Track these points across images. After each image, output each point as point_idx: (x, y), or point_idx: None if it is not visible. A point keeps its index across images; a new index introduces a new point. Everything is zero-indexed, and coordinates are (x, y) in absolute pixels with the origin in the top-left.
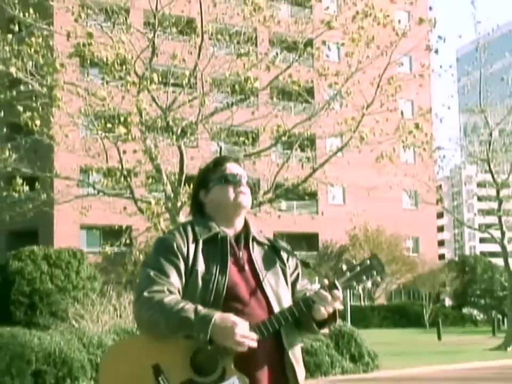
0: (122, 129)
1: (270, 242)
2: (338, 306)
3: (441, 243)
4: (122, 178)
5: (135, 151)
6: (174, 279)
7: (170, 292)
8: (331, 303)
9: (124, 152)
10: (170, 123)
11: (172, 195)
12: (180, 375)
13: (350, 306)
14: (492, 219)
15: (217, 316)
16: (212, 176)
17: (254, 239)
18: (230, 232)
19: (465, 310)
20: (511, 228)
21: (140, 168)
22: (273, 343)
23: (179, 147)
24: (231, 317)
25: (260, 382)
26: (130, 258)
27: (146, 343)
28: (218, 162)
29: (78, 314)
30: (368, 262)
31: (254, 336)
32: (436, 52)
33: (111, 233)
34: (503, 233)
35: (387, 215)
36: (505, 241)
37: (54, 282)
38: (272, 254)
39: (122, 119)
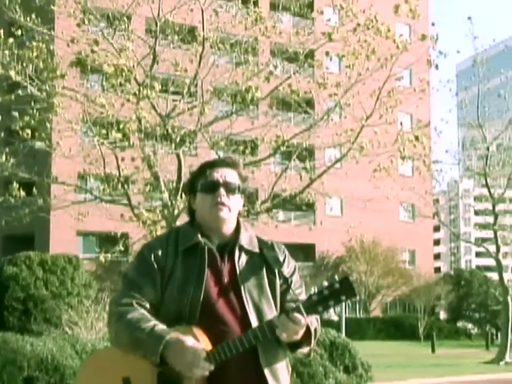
0: (118, 135)
1: (261, 250)
2: (299, 330)
3: (437, 256)
4: (119, 185)
5: (133, 159)
6: (148, 291)
7: (140, 305)
8: (292, 328)
9: (122, 159)
10: (170, 131)
11: (169, 203)
12: None
13: (346, 318)
14: (488, 233)
15: (172, 338)
16: (196, 182)
17: (241, 248)
18: (218, 240)
19: (459, 324)
20: (506, 242)
21: (137, 175)
22: (250, 361)
23: (177, 155)
24: (187, 341)
25: None
26: (126, 265)
27: (120, 355)
28: (204, 168)
29: (72, 321)
30: (337, 285)
31: (205, 365)
32: (436, 67)
33: (107, 240)
34: (498, 248)
35: (384, 227)
36: (500, 256)
37: (49, 288)
38: (261, 263)
39: (120, 126)
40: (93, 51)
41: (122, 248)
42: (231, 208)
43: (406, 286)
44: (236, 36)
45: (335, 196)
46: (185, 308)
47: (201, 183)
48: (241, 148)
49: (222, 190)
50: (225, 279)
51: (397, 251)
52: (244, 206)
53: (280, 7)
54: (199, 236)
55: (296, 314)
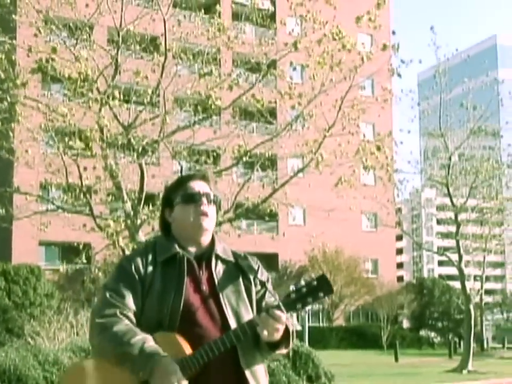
0: (80, 145)
1: (236, 259)
2: (279, 327)
3: (400, 265)
4: (82, 195)
5: (95, 168)
6: (129, 301)
7: (124, 315)
8: (273, 325)
9: (85, 168)
10: (132, 140)
11: (132, 213)
12: None
13: (308, 327)
14: (451, 242)
15: (162, 360)
16: (174, 194)
17: (217, 257)
18: (194, 251)
19: (422, 332)
20: (468, 251)
21: (99, 185)
22: (231, 363)
23: (140, 165)
24: (175, 368)
25: None
26: (89, 275)
27: (101, 366)
28: (181, 180)
29: (34, 331)
30: (315, 282)
31: None
32: (399, 75)
33: (70, 250)
34: (460, 257)
35: (347, 237)
36: (463, 265)
37: (12, 298)
38: (237, 271)
39: (82, 135)
40: (52, 59)
41: (84, 260)
42: (212, 219)
43: (369, 295)
44: (198, 46)
45: (297, 205)
46: (166, 316)
47: (182, 195)
48: (203, 157)
49: (204, 200)
50: (204, 287)
51: (359, 260)
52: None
53: (242, 18)
54: (177, 247)
55: (277, 311)
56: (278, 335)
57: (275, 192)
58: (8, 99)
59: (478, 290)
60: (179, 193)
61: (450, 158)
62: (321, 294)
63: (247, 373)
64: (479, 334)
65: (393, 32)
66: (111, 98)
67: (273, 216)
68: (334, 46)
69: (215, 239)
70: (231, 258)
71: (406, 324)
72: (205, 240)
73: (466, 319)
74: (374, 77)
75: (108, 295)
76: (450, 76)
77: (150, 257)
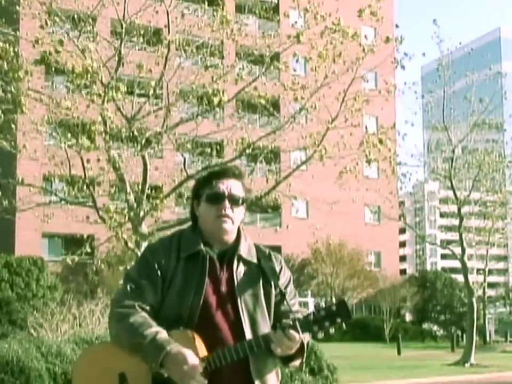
0: (86, 141)
1: (259, 260)
2: (294, 346)
3: (402, 258)
4: (85, 187)
5: (98, 160)
6: (149, 294)
7: (142, 309)
8: (287, 344)
9: (88, 161)
10: (135, 133)
11: (135, 205)
12: None
13: None
14: (454, 235)
15: (173, 349)
16: (202, 190)
17: (240, 257)
18: (218, 248)
19: (425, 325)
20: (471, 244)
21: (103, 177)
22: (241, 370)
23: (143, 157)
24: (188, 356)
25: None
26: (92, 267)
27: (116, 351)
28: (210, 177)
29: (37, 323)
30: (334, 308)
31: (201, 380)
32: (403, 67)
33: (72, 242)
34: (463, 250)
35: (349, 230)
36: (466, 258)
37: (15, 290)
38: (258, 273)
39: (86, 128)
40: (57, 51)
41: (88, 250)
42: (234, 220)
43: (372, 288)
44: (201, 38)
45: (300, 198)
46: (184, 313)
47: (207, 194)
48: (207, 150)
49: (227, 203)
50: (223, 288)
51: (362, 253)
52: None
53: (246, 10)
54: (201, 244)
55: (292, 332)
56: (291, 352)
57: (278, 185)
58: (12, 90)
59: (481, 284)
60: (205, 190)
61: (453, 151)
62: (339, 320)
63: (258, 381)
64: (482, 327)
65: (397, 26)
66: (114, 91)
67: (276, 208)
68: (336, 38)
69: (241, 236)
70: (254, 260)
71: (408, 317)
72: (228, 239)
73: (469, 312)
74: (377, 70)
75: (128, 287)
76: (453, 69)
77: (173, 251)
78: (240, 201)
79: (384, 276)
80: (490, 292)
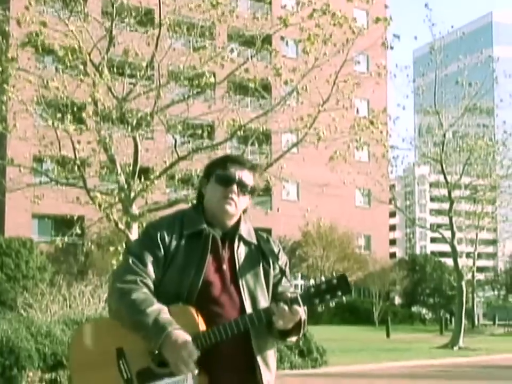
0: (71, 126)
1: (259, 242)
2: (296, 320)
3: (392, 242)
4: (75, 168)
5: (89, 142)
6: (151, 269)
7: (144, 283)
8: (289, 317)
9: (78, 142)
10: (126, 114)
11: (125, 186)
12: (139, 362)
13: None
14: (444, 219)
15: (174, 332)
16: (213, 170)
17: (240, 237)
18: (220, 228)
19: (414, 309)
20: (461, 228)
21: (93, 158)
22: (242, 346)
23: (134, 138)
24: (187, 342)
25: (221, 382)
26: (82, 248)
27: (113, 326)
28: (225, 160)
29: (27, 304)
30: (335, 281)
31: (193, 368)
32: (392, 48)
33: (63, 223)
34: (453, 234)
35: (340, 213)
36: (455, 242)
37: (4, 271)
38: (258, 254)
39: (76, 108)
40: (42, 33)
41: (78, 231)
42: (237, 206)
43: (362, 271)
44: (192, 19)
45: (291, 180)
46: (184, 290)
47: (218, 174)
48: (198, 131)
49: (235, 187)
50: (225, 266)
51: (353, 236)
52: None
53: None
54: (204, 222)
55: (295, 304)
56: (291, 325)
57: (269, 167)
58: (1, 70)
59: (470, 268)
60: (217, 170)
61: (444, 135)
62: (339, 293)
63: (259, 357)
64: (470, 311)
65: (386, 6)
66: (105, 71)
67: (267, 191)
68: (326, 20)
69: (241, 219)
70: (254, 241)
71: (397, 300)
72: (230, 222)
73: (458, 296)
74: (368, 53)
75: (130, 261)
76: (445, 53)
77: (176, 228)
78: (248, 189)
79: (374, 259)
80: (479, 276)
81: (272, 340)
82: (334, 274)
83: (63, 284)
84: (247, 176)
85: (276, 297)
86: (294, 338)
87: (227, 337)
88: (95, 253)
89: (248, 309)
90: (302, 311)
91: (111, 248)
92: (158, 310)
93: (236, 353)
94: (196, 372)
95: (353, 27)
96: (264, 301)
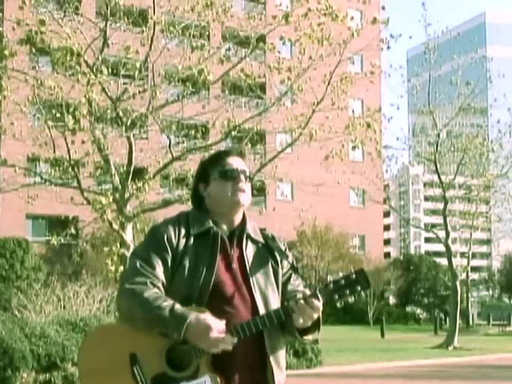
0: (71, 121)
1: (266, 240)
2: (316, 316)
3: (387, 242)
4: (69, 168)
5: (83, 142)
6: (159, 271)
7: (153, 285)
8: (309, 314)
9: (72, 142)
10: (120, 114)
11: (120, 186)
12: (154, 367)
13: None
14: (438, 219)
15: (193, 316)
16: (212, 169)
17: (248, 236)
18: (226, 227)
19: (408, 309)
20: (455, 228)
21: (88, 158)
22: (255, 345)
23: (128, 138)
24: (207, 318)
25: (233, 381)
26: (76, 249)
27: (129, 331)
28: (220, 156)
29: (21, 304)
30: (353, 276)
31: (229, 339)
32: (388, 47)
33: (57, 223)
34: (447, 233)
35: (334, 213)
36: (450, 241)
37: None
38: (266, 252)
39: (71, 109)
40: (40, 32)
41: (72, 232)
42: (248, 195)
43: None
44: (187, 19)
45: (286, 180)
46: (195, 290)
47: (221, 171)
48: (192, 131)
49: (242, 177)
50: (234, 265)
51: (347, 236)
52: None
53: None
54: (211, 221)
55: (314, 300)
56: (310, 322)
57: (263, 167)
58: None
59: (465, 267)
60: (217, 169)
61: (438, 135)
62: (358, 288)
63: (271, 357)
64: (465, 311)
65: (383, 8)
66: (99, 72)
67: (261, 191)
68: (322, 20)
69: (246, 217)
70: (261, 239)
71: (392, 300)
72: (237, 217)
73: (452, 295)
74: (363, 53)
75: (138, 263)
76: (439, 52)
77: (183, 229)
78: (250, 176)
79: (368, 259)
80: (474, 276)
81: (283, 340)
82: (331, 274)
83: (57, 285)
84: (242, 164)
85: (286, 296)
86: (310, 337)
87: (245, 337)
88: (89, 253)
89: (261, 308)
90: (321, 307)
91: (106, 249)
92: (172, 303)
93: (249, 352)
94: (236, 340)
95: (352, 27)
96: (275, 300)
